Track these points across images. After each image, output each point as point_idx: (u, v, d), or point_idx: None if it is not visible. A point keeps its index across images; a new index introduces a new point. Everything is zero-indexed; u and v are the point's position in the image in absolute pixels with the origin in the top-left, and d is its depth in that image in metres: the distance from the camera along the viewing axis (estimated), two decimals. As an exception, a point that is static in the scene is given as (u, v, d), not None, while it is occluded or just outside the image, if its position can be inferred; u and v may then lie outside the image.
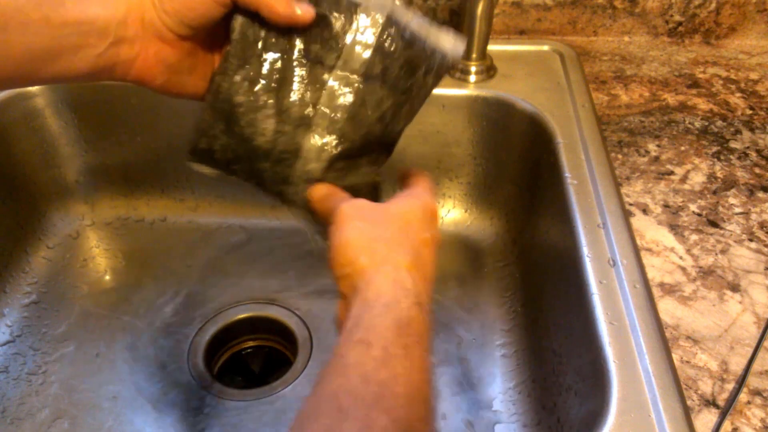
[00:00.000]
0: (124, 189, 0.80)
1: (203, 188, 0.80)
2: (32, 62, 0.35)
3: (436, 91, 0.73)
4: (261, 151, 0.41)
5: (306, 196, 0.43)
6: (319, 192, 0.42)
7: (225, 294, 0.73)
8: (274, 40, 0.39)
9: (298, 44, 0.40)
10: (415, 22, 0.41)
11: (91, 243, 0.79)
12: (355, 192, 0.42)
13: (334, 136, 0.41)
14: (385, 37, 0.40)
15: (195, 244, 0.78)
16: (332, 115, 0.41)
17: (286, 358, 0.70)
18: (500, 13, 0.79)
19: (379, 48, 0.40)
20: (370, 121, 0.41)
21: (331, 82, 0.40)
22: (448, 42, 0.42)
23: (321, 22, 0.39)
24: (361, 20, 0.40)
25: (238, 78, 0.40)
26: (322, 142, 0.41)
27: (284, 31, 0.39)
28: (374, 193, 0.46)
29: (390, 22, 0.40)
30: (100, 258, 0.77)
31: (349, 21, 0.39)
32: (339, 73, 0.40)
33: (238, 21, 0.39)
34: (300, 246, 0.78)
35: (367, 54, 0.40)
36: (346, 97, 0.40)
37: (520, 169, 0.73)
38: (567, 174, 0.60)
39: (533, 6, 0.79)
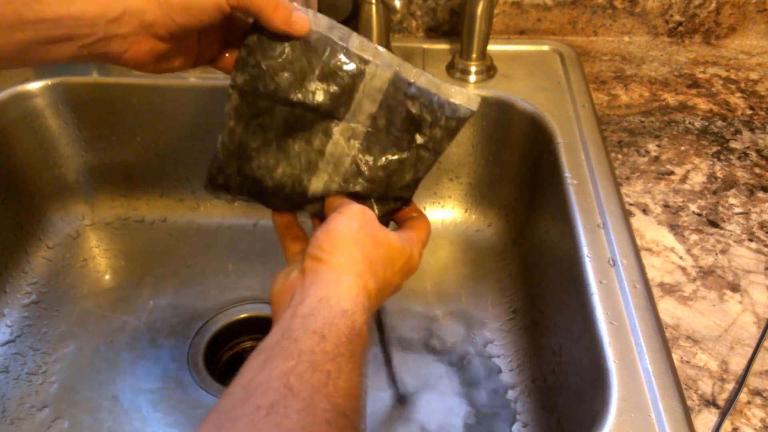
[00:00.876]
0: (124, 189, 0.80)
1: (203, 188, 0.80)
2: (6, 52, 0.35)
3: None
4: (271, 190, 0.44)
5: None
6: (337, 199, 0.44)
7: (225, 294, 0.73)
8: (285, 92, 0.41)
9: (309, 97, 0.41)
10: (423, 78, 0.43)
11: (91, 243, 0.79)
12: None
13: (338, 181, 0.44)
14: (390, 92, 0.42)
15: (195, 244, 0.78)
16: (337, 161, 0.43)
17: (286, 358, 0.69)
18: (500, 13, 0.79)
19: (384, 102, 0.42)
20: (372, 168, 0.43)
21: (338, 132, 0.43)
22: (461, 96, 0.44)
23: (332, 75, 0.41)
24: (369, 76, 0.42)
25: (251, 126, 0.42)
26: (326, 185, 0.44)
27: (296, 84, 0.41)
28: None
29: (396, 78, 0.42)
30: (100, 258, 0.77)
31: (359, 76, 0.41)
32: (345, 124, 0.42)
33: (251, 73, 0.40)
34: (300, 246, 0.78)
35: (373, 108, 0.42)
36: (351, 146, 0.43)
37: (520, 169, 0.73)
38: (567, 174, 0.60)
39: (533, 6, 0.79)
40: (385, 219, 0.46)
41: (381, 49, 0.42)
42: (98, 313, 0.71)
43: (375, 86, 0.42)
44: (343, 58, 0.41)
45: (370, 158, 0.43)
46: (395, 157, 0.43)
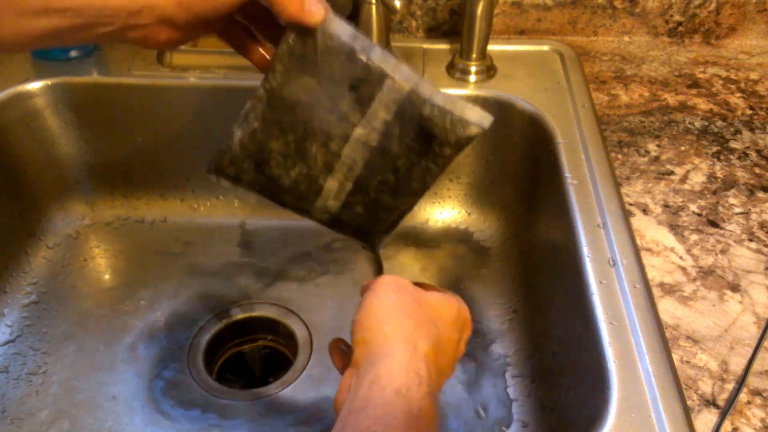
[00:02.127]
0: (124, 189, 0.80)
1: (203, 188, 0.80)
2: (31, 36, 0.37)
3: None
4: (286, 188, 0.45)
5: (322, 219, 0.47)
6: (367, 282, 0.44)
7: (225, 294, 0.73)
8: (307, 95, 0.43)
9: (329, 101, 0.43)
10: (440, 97, 0.44)
11: (91, 243, 0.79)
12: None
13: (351, 181, 0.45)
14: (405, 106, 0.43)
15: (195, 244, 0.78)
16: (352, 163, 0.45)
17: (286, 358, 0.70)
18: (500, 13, 0.79)
19: (398, 113, 0.43)
20: (384, 171, 0.45)
21: (355, 136, 0.44)
22: (474, 114, 0.45)
23: (353, 84, 0.43)
24: (387, 88, 0.43)
25: (273, 127, 0.43)
26: (340, 184, 0.45)
27: (317, 87, 0.42)
28: (376, 266, 0.52)
29: (413, 93, 0.43)
30: (100, 258, 0.77)
31: (378, 87, 0.43)
32: (361, 129, 0.44)
33: (278, 73, 0.42)
34: (300, 246, 0.78)
35: (388, 118, 0.44)
36: (366, 150, 0.44)
37: (520, 169, 0.73)
38: (567, 174, 0.60)
39: (533, 6, 0.79)
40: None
41: (402, 63, 0.43)
42: (98, 313, 0.71)
43: (392, 97, 0.43)
44: (364, 68, 0.42)
45: (382, 162, 0.45)
46: (405, 163, 0.45)
